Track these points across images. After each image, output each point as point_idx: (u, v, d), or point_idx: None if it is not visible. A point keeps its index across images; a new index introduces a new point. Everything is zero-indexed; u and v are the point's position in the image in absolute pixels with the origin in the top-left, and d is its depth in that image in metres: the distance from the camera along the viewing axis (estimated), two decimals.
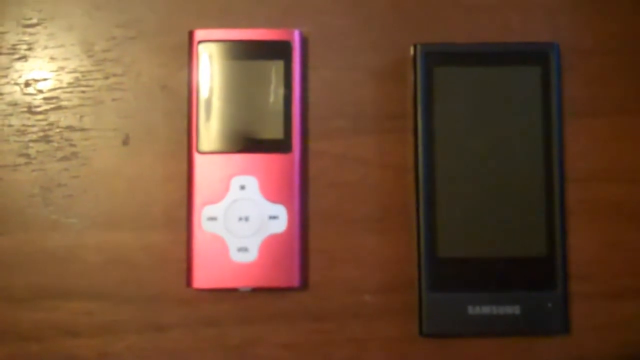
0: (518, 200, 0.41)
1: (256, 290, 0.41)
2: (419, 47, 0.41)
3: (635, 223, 0.42)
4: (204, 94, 0.41)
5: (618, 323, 0.41)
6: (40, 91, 0.43)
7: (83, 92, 0.43)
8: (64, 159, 0.43)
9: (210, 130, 0.41)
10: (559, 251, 0.40)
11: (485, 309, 0.40)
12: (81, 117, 0.43)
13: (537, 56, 0.41)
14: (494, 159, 0.41)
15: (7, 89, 0.43)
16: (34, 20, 0.43)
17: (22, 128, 0.43)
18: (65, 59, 0.43)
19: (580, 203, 0.42)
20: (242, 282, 0.40)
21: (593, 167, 0.42)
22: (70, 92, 0.43)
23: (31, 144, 0.43)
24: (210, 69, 0.41)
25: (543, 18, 0.43)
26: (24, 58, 0.43)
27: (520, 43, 0.42)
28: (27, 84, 0.43)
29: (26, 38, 0.43)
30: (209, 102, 0.41)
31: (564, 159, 0.42)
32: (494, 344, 0.41)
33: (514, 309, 0.40)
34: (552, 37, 0.43)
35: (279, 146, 0.41)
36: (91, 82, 0.43)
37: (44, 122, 0.43)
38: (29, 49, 0.43)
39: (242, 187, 0.41)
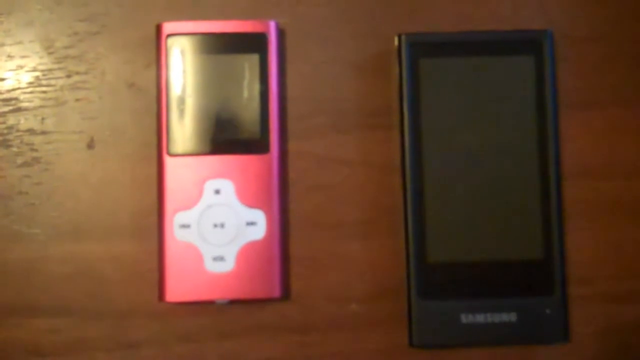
0: (512, 200, 0.39)
1: (234, 303, 0.39)
2: (403, 37, 0.40)
3: (636, 221, 0.41)
4: (174, 91, 0.39)
5: (621, 328, 0.40)
6: None
7: (44, 92, 0.41)
8: (25, 164, 0.40)
9: (181, 130, 0.39)
10: (556, 253, 0.39)
11: (480, 317, 0.39)
12: (42, 119, 0.41)
13: (530, 45, 0.40)
14: (486, 156, 0.39)
15: None
16: None
17: None
18: (24, 56, 0.41)
19: (578, 201, 0.41)
20: (219, 294, 0.38)
21: (591, 163, 0.41)
22: (30, 92, 0.41)
23: None
24: (180, 65, 0.39)
25: (535, 4, 0.42)
26: None
27: (511, 31, 0.40)
28: None
29: None
30: (179, 101, 0.39)
31: (560, 155, 0.40)
32: (489, 354, 0.40)
33: (510, 317, 0.39)
34: (546, 24, 0.41)
35: (256, 147, 0.39)
36: (52, 82, 0.41)
37: (2, 126, 0.41)
38: None
39: (217, 192, 0.39)
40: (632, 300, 0.40)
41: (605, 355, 0.40)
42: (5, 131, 0.40)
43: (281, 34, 0.41)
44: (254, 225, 0.39)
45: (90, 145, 0.40)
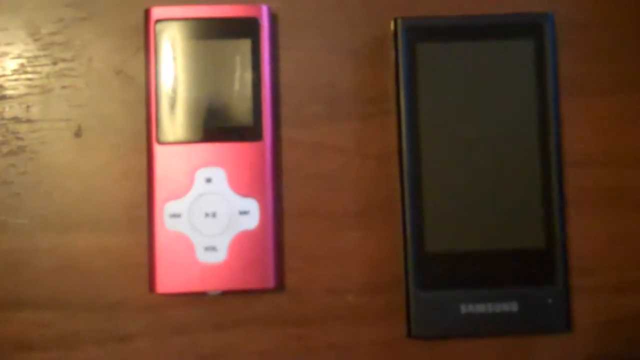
0: (513, 189, 0.38)
1: (227, 294, 0.38)
2: (399, 21, 0.39)
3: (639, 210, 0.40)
4: (163, 78, 0.38)
5: (623, 319, 0.39)
6: None
7: (29, 79, 0.40)
8: (10, 153, 0.39)
9: (171, 118, 0.38)
10: (558, 243, 0.38)
11: (480, 307, 0.38)
12: (28, 107, 0.40)
13: (530, 28, 0.39)
14: (485, 144, 0.39)
15: None
16: None
17: None
18: (9, 43, 0.40)
19: (580, 190, 0.40)
20: (211, 285, 0.37)
21: (593, 151, 0.40)
22: (15, 80, 0.40)
23: None
24: (169, 51, 0.38)
25: None
26: None
27: (511, 14, 0.39)
28: None
29: None
30: (169, 88, 0.38)
31: (561, 142, 0.39)
32: (490, 344, 0.39)
33: (511, 307, 0.38)
34: (546, 7, 0.40)
35: (248, 134, 0.38)
36: (38, 69, 0.40)
37: None
38: None
39: (208, 180, 0.38)
40: (635, 291, 0.39)
41: (608, 345, 0.39)
42: None
43: (274, 18, 0.40)
44: (246, 214, 0.38)
45: (78, 134, 0.39)
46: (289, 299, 0.39)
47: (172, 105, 0.38)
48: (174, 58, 0.38)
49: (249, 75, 0.38)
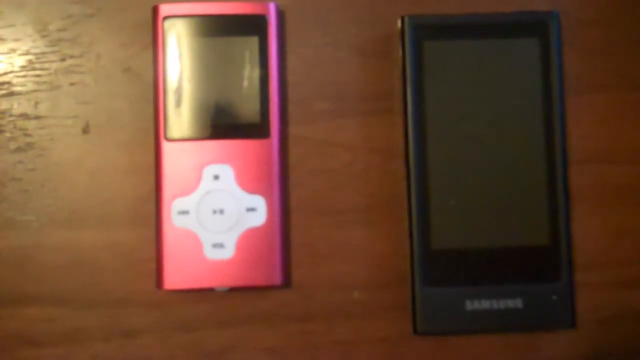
0: (518, 186, 0.39)
1: (234, 290, 0.39)
2: (406, 19, 0.39)
3: None
4: (171, 75, 0.38)
5: (628, 315, 0.40)
6: None
7: (37, 76, 0.40)
8: (18, 150, 0.39)
9: (179, 115, 0.38)
10: (563, 239, 0.38)
11: (485, 304, 0.38)
12: (36, 103, 0.40)
13: (535, 27, 0.39)
14: (491, 141, 0.39)
15: None
16: None
17: None
18: (17, 40, 0.40)
19: (585, 187, 0.40)
20: (218, 281, 0.38)
21: (598, 148, 0.40)
22: (24, 76, 0.40)
23: None
24: (177, 48, 0.38)
25: None
26: None
27: (516, 13, 0.40)
28: None
29: None
30: (177, 84, 0.38)
31: (566, 140, 0.39)
32: (495, 341, 0.39)
33: (516, 303, 0.38)
34: (551, 6, 0.40)
35: (256, 131, 0.38)
36: (46, 65, 0.40)
37: None
38: None
39: (216, 177, 0.38)
40: (639, 287, 0.39)
41: (612, 342, 0.39)
42: None
43: (281, 16, 0.40)
44: (254, 211, 0.38)
45: (86, 130, 0.39)
46: (295, 295, 0.39)
47: (180, 102, 0.38)
48: (182, 55, 0.38)
49: (256, 73, 0.38)
